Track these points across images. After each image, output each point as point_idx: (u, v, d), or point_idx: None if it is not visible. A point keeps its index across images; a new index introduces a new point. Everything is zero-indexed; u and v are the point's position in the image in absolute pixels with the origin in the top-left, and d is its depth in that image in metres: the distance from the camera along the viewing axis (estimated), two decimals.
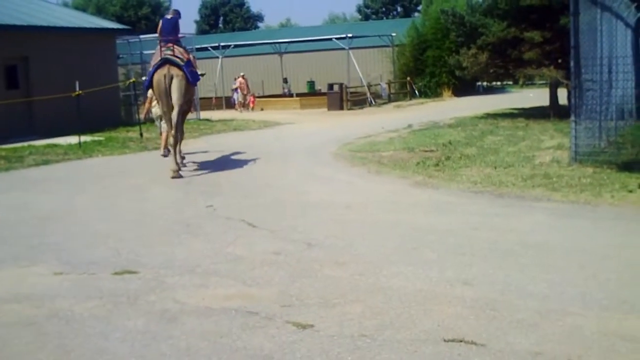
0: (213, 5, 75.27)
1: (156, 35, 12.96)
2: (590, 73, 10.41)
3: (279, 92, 35.71)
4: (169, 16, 12.45)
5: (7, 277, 5.72)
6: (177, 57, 11.72)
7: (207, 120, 23.14)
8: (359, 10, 73.49)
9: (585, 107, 10.32)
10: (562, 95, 19.32)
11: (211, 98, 32.09)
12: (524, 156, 11.42)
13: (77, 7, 55.08)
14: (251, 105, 30.33)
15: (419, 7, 54.27)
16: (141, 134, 17.20)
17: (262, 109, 29.80)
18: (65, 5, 54.50)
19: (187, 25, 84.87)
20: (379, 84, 33.33)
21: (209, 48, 32.75)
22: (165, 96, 11.56)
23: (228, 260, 5.94)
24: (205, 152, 14.49)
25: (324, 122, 22.61)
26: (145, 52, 23.40)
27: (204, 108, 26.54)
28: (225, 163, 12.69)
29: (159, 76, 11.58)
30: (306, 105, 30.15)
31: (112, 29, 22.67)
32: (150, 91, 12.49)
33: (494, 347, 3.87)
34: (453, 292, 4.84)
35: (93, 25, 21.78)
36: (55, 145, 15.74)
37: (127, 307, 4.79)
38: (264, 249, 6.29)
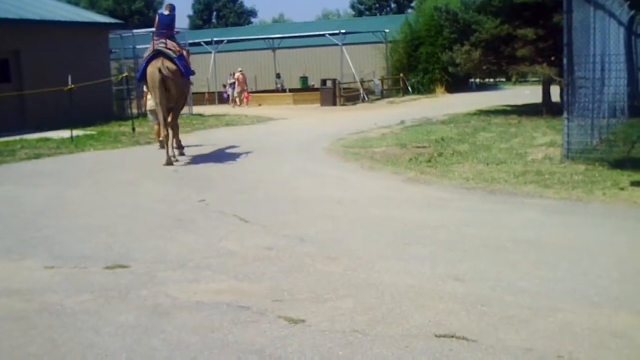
0: (206, 1, 75.16)
1: (149, 30, 12.98)
2: (583, 71, 10.46)
3: (272, 87, 35.70)
4: (166, 12, 12.44)
5: None
6: (169, 49, 11.75)
7: (200, 115, 23.10)
8: (352, 7, 73.54)
9: (577, 104, 10.36)
10: (555, 93, 19.37)
11: (204, 93, 32.05)
12: (516, 153, 11.46)
13: (69, 1, 54.66)
14: (245, 100, 30.26)
15: (413, 4, 54.42)
16: (133, 129, 17.14)
17: (259, 105, 29.70)
18: None
19: (181, 20, 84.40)
20: (372, 80, 33.34)
21: (202, 43, 32.72)
22: (158, 88, 11.55)
23: (220, 255, 5.94)
24: (198, 145, 14.46)
25: (316, 117, 22.58)
26: (138, 46, 23.34)
27: (196, 103, 26.53)
28: (217, 158, 12.66)
29: (152, 68, 11.57)
30: (299, 101, 30.15)
31: (105, 23, 22.58)
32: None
33: (485, 342, 3.89)
34: (444, 287, 4.85)
35: (86, 20, 21.70)
36: (47, 139, 15.67)
37: (118, 302, 4.78)
38: (256, 243, 6.29)
